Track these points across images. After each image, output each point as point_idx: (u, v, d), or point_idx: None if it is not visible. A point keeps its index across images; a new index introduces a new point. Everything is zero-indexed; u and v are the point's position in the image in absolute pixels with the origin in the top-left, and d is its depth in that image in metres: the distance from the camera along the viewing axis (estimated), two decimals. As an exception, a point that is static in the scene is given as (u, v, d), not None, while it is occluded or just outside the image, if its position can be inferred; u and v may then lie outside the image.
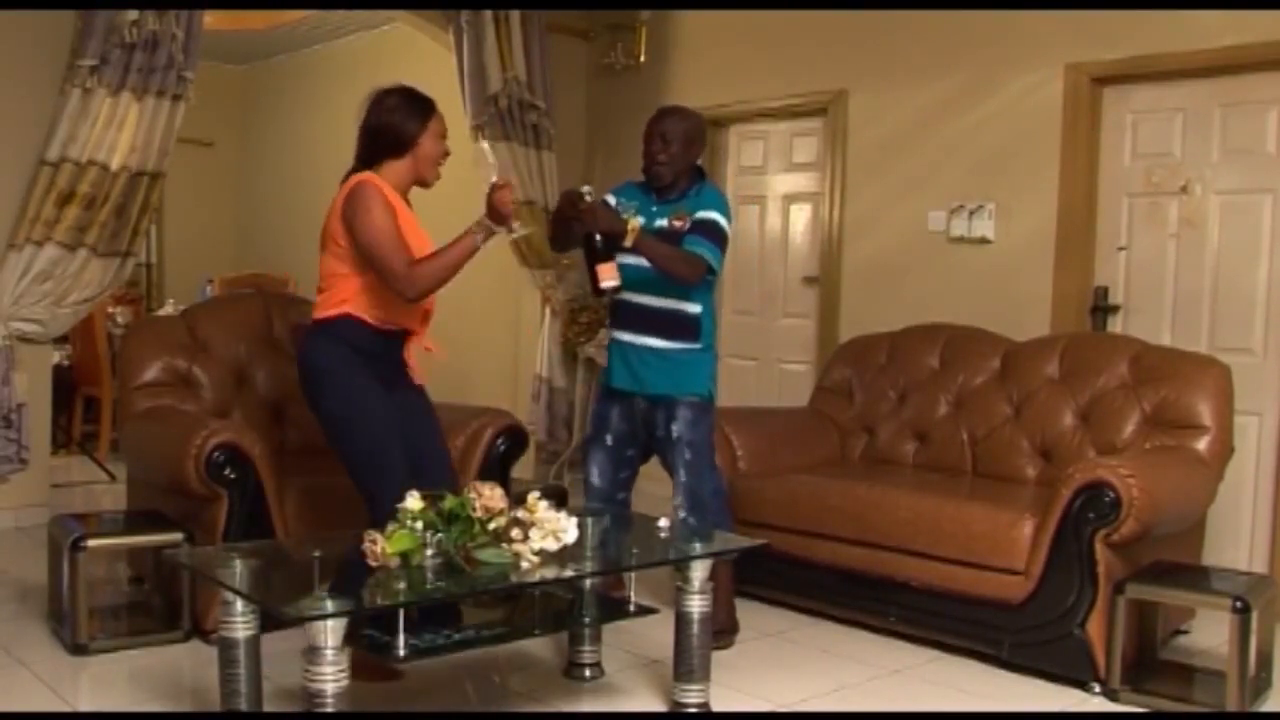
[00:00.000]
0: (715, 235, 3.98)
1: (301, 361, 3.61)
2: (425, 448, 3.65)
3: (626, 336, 4.13)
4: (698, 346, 4.08)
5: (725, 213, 4.06)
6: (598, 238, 3.77)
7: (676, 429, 4.04)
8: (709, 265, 3.94)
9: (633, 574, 3.49)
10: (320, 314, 3.57)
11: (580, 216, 3.80)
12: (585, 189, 3.86)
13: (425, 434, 3.68)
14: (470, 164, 6.78)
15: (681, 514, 4.02)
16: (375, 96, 3.61)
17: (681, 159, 4.06)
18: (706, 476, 4.10)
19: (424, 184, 3.65)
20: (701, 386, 4.08)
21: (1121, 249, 5.31)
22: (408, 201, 3.65)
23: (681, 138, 4.04)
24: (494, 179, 3.55)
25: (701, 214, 3.99)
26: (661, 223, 4.04)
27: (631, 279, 3.93)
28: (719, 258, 3.99)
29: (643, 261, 3.90)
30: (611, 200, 4.08)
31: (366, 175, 3.51)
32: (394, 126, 3.55)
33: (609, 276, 3.80)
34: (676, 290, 3.98)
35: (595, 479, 4.20)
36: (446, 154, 3.68)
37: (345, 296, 3.52)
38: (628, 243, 3.80)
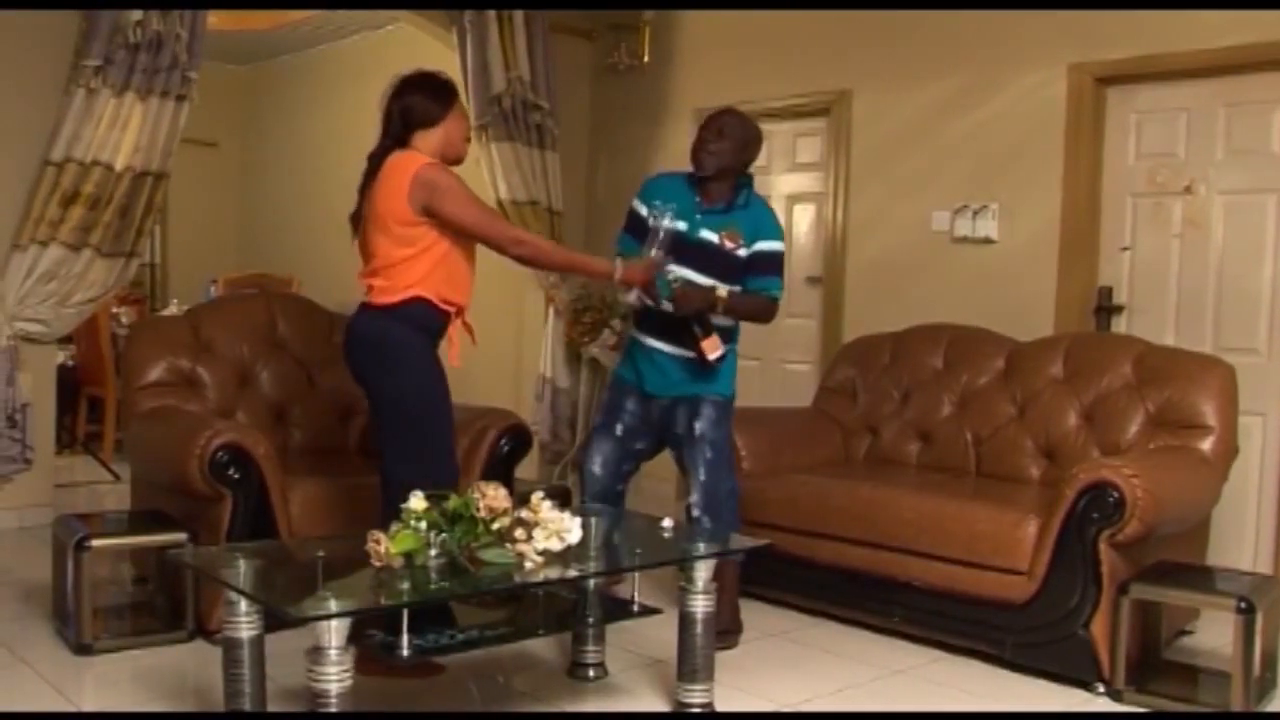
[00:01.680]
0: (780, 268, 4.12)
1: (367, 337, 3.61)
2: None
3: (656, 343, 4.12)
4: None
5: (783, 237, 4.16)
6: (696, 328, 3.95)
7: (700, 427, 4.05)
8: (778, 300, 4.12)
9: (636, 574, 3.48)
10: (386, 299, 3.57)
11: (676, 306, 3.93)
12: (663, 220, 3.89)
13: None
14: (474, 164, 6.81)
15: (696, 513, 4.02)
16: (403, 79, 3.69)
17: (730, 156, 4.04)
18: (724, 476, 4.11)
19: (455, 160, 3.70)
20: (726, 387, 4.13)
21: (1125, 249, 5.30)
22: None
23: (739, 137, 4.05)
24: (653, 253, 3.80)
25: (765, 245, 4.05)
26: (709, 235, 4.02)
27: (664, 289, 3.97)
28: (782, 286, 4.14)
29: (685, 272, 3.96)
30: (667, 223, 3.92)
31: (422, 157, 3.56)
32: (423, 103, 3.63)
33: (714, 349, 3.98)
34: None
35: (597, 468, 4.18)
36: (470, 133, 3.78)
37: (412, 281, 3.55)
38: (719, 311, 3.96)
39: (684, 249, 3.98)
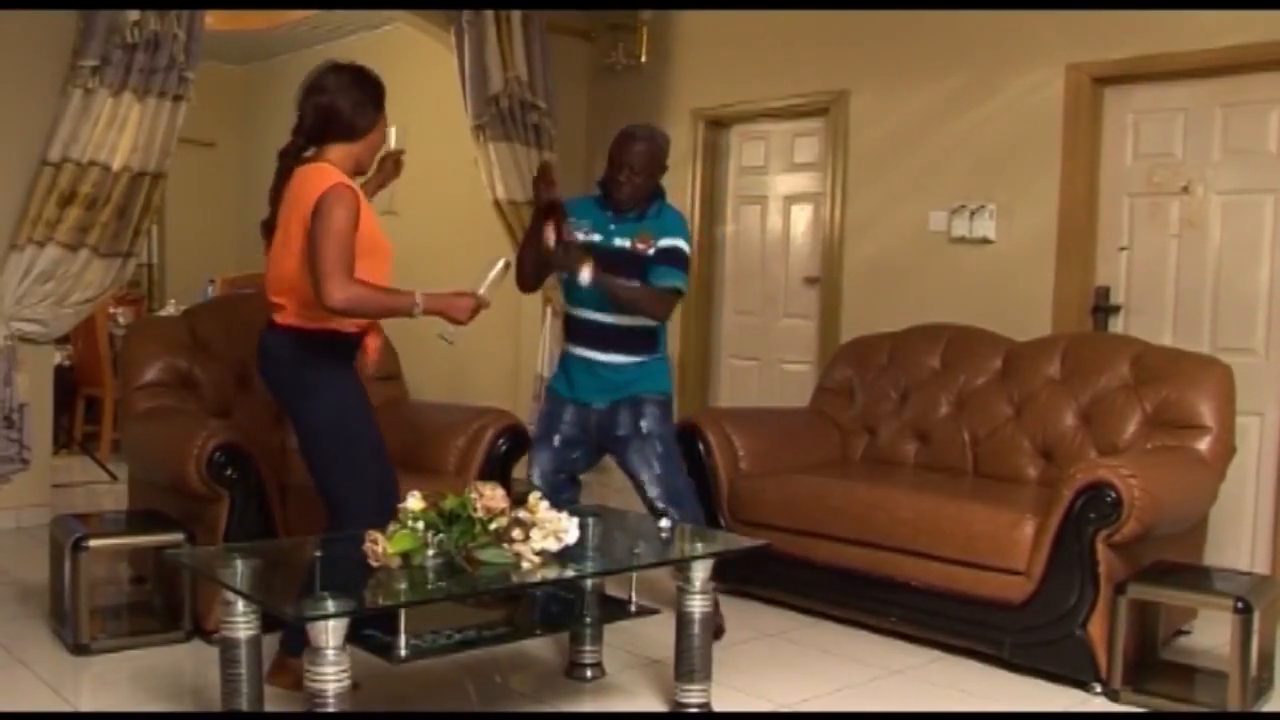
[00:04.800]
0: (681, 261, 4.07)
1: (282, 360, 3.43)
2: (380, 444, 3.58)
3: (586, 352, 4.15)
4: (658, 355, 4.19)
5: (687, 236, 4.15)
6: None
7: (646, 425, 4.09)
8: (677, 291, 4.06)
9: (634, 575, 3.48)
10: (297, 323, 3.38)
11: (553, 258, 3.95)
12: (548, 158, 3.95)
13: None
14: (470, 164, 6.82)
15: (661, 505, 4.05)
16: (330, 75, 3.41)
17: (645, 186, 4.09)
18: (678, 469, 4.18)
19: (360, 171, 3.49)
20: (665, 385, 4.21)
21: (1123, 249, 5.31)
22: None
23: (648, 166, 4.07)
24: (483, 293, 3.44)
25: (666, 241, 4.05)
26: (622, 243, 4.06)
27: (590, 298, 4.04)
28: (685, 280, 4.10)
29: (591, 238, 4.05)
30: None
31: (339, 176, 3.30)
32: (348, 112, 3.36)
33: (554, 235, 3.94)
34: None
35: (537, 479, 4.18)
36: (384, 141, 3.54)
37: (320, 312, 3.30)
38: (582, 279, 3.85)
39: (600, 257, 4.01)
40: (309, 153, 3.42)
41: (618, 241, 4.08)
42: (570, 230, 3.98)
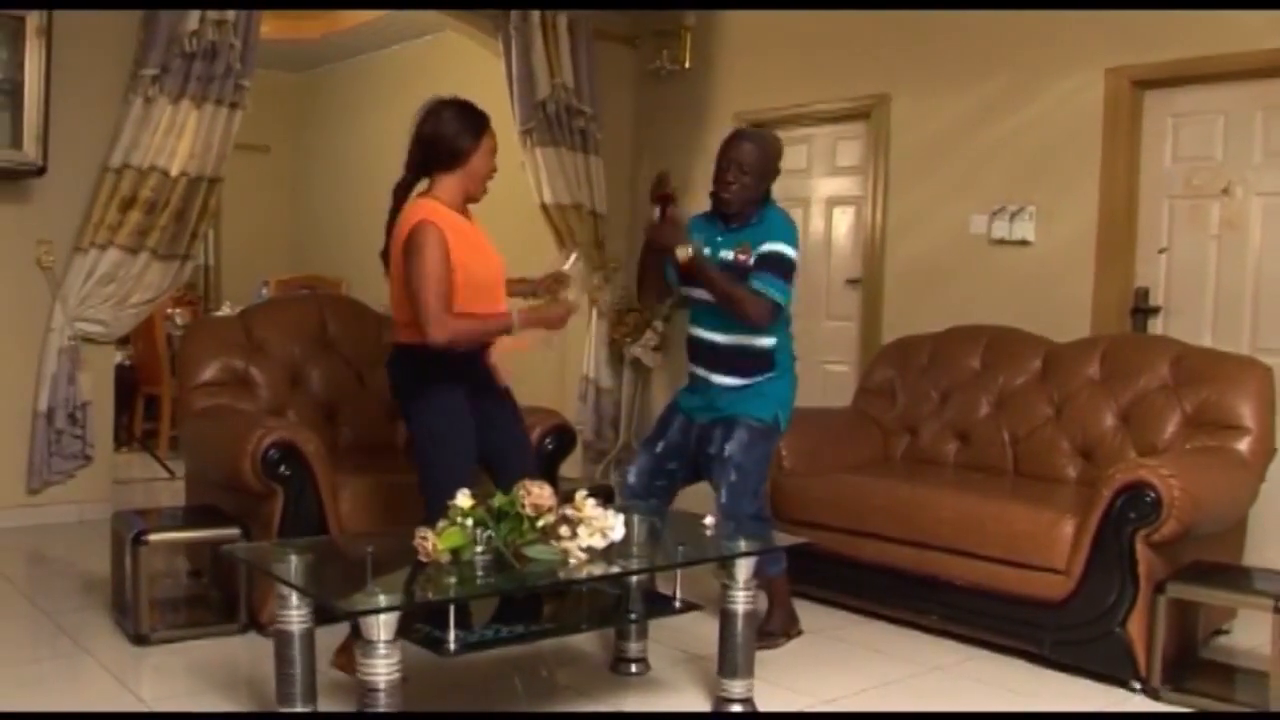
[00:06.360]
0: (780, 268, 3.87)
1: (399, 374, 3.65)
2: (511, 458, 3.73)
3: (700, 371, 4.13)
4: (771, 375, 4.05)
5: (792, 241, 3.93)
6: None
7: (729, 448, 3.98)
8: (775, 303, 3.85)
9: (679, 571, 3.51)
10: (413, 340, 3.52)
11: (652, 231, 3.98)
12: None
13: (509, 443, 3.77)
14: (517, 168, 6.90)
15: None
16: (431, 107, 3.59)
17: (754, 189, 3.95)
18: (746, 502, 4.00)
19: (471, 200, 3.64)
20: (766, 411, 4.02)
21: (1162, 251, 5.31)
22: (467, 214, 3.64)
23: (758, 168, 3.94)
24: (570, 298, 3.85)
25: (767, 246, 3.88)
26: (726, 255, 3.96)
27: (706, 317, 4.03)
28: (785, 292, 3.88)
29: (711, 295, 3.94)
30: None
31: (428, 212, 3.47)
32: (449, 140, 3.52)
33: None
34: (746, 325, 3.92)
35: (632, 478, 4.22)
36: (494, 171, 3.66)
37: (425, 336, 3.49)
38: (679, 255, 3.85)
39: None
40: (422, 185, 3.59)
41: (723, 254, 3.96)
42: (677, 215, 3.96)
